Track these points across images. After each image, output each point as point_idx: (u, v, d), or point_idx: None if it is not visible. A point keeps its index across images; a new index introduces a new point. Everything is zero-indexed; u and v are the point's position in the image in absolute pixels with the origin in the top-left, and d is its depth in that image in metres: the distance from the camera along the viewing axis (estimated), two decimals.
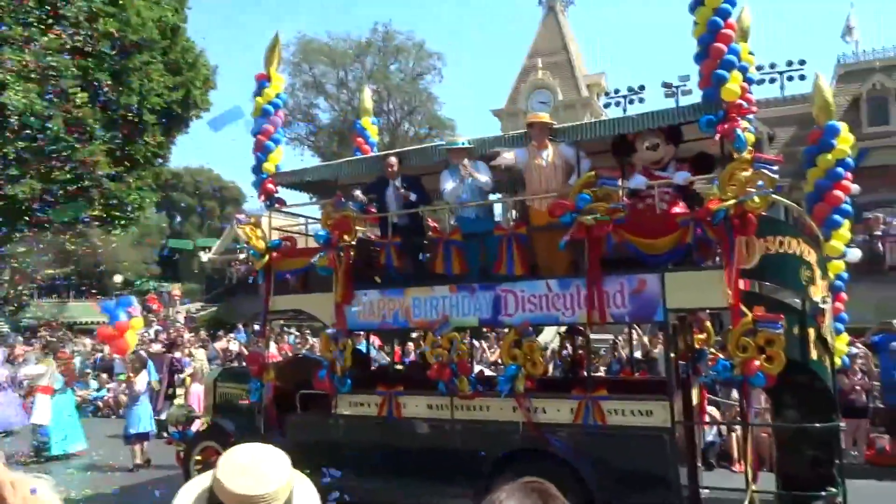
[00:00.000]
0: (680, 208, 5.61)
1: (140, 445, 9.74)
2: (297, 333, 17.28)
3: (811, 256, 5.44)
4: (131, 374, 10.07)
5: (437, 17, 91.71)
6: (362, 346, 9.43)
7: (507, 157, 6.27)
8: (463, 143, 6.60)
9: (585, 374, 7.39)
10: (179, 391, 12.14)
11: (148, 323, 22.17)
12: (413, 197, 6.82)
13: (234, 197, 56.38)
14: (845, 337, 6.43)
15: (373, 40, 37.80)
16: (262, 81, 7.91)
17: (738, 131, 5.37)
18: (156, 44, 19.27)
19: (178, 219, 57.57)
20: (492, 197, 7.39)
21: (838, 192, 5.87)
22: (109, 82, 17.84)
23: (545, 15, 31.62)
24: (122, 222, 20.38)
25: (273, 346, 13.39)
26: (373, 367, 9.12)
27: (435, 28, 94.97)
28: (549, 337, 12.25)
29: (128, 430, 9.67)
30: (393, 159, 7.01)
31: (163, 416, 11.06)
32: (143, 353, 11.07)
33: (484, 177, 6.53)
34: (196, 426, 8.37)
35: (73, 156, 16.96)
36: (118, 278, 31.84)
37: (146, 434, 9.85)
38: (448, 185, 6.56)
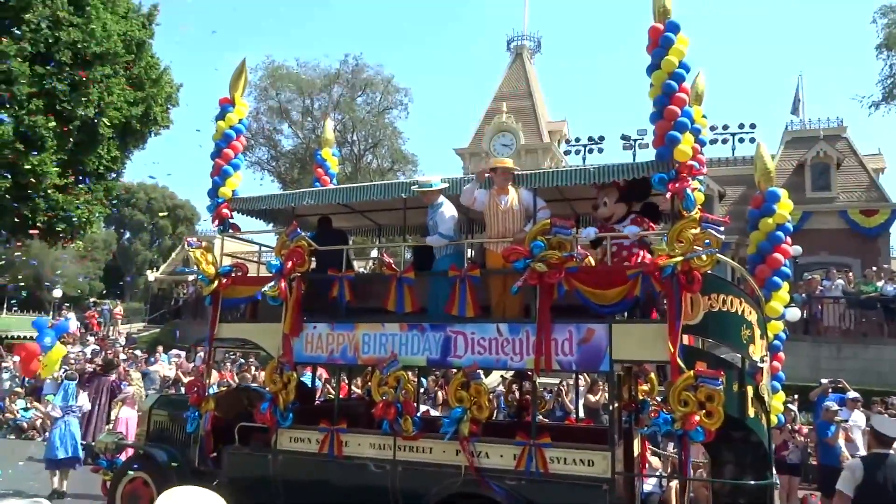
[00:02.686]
0: (641, 259, 5.72)
1: (59, 472, 9.17)
2: (243, 361, 16.82)
3: (752, 316, 5.61)
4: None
5: (408, 55, 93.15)
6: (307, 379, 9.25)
7: (467, 190, 6.33)
8: (435, 185, 6.52)
9: (530, 419, 7.38)
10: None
11: (85, 342, 21.36)
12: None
13: (187, 216, 55.32)
14: (781, 395, 6.62)
15: (342, 71, 38.07)
16: (226, 106, 7.85)
17: (688, 191, 5.55)
18: (119, 57, 18.96)
19: (127, 235, 55.96)
20: None
21: (778, 255, 6.10)
22: (66, 92, 17.42)
23: (512, 61, 32.48)
24: (67, 236, 19.68)
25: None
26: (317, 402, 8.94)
27: (404, 64, 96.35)
28: (495, 381, 12.26)
29: (46, 455, 9.15)
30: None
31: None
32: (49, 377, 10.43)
33: (445, 225, 6.48)
34: (125, 455, 8.00)
35: (21, 162, 16.42)
36: (58, 293, 30.62)
37: (68, 461, 9.16)
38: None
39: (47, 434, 10.67)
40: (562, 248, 5.72)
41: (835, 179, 24.09)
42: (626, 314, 5.85)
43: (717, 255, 5.44)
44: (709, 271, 5.45)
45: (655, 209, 6.49)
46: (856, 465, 5.01)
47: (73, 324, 24.80)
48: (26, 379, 16.18)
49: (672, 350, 5.25)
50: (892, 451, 5.05)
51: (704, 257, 5.31)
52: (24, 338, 26.30)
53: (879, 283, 16.32)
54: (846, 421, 9.42)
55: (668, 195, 5.65)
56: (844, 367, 14.37)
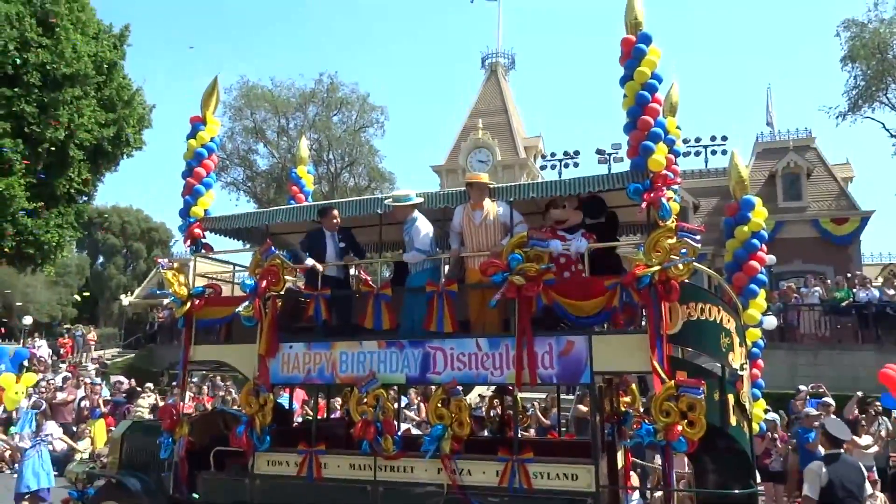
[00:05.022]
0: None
1: None
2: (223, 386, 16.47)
3: (731, 324, 5.61)
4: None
5: (383, 73, 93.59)
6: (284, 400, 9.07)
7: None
8: (409, 199, 6.49)
9: (512, 434, 7.29)
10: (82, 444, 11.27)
11: (56, 369, 20.84)
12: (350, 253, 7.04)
13: (162, 239, 54.60)
14: (762, 403, 6.62)
15: (317, 90, 38.00)
16: (197, 124, 7.75)
17: (664, 200, 5.56)
18: (89, 79, 18.73)
19: (101, 259, 54.99)
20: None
21: (754, 263, 6.13)
22: (35, 114, 17.14)
23: (487, 78, 32.74)
24: (37, 261, 19.26)
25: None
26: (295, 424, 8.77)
27: (380, 83, 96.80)
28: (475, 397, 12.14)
29: (16, 488, 8.83)
30: (336, 211, 6.94)
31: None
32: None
33: (420, 240, 6.41)
34: (98, 484, 7.74)
35: None
36: (28, 320, 29.89)
37: (35, 492, 8.76)
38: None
39: (16, 466, 10.32)
40: (539, 260, 5.69)
41: (805, 189, 24.52)
42: (605, 325, 5.83)
43: (694, 263, 5.44)
44: (686, 280, 5.45)
45: (614, 220, 6.53)
46: (819, 469, 5.15)
47: (45, 351, 24.24)
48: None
49: (653, 360, 5.22)
50: (842, 451, 5.45)
51: (681, 266, 5.31)
52: None
53: (854, 290, 16.55)
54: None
55: (644, 205, 5.65)
56: (821, 373, 14.50)
